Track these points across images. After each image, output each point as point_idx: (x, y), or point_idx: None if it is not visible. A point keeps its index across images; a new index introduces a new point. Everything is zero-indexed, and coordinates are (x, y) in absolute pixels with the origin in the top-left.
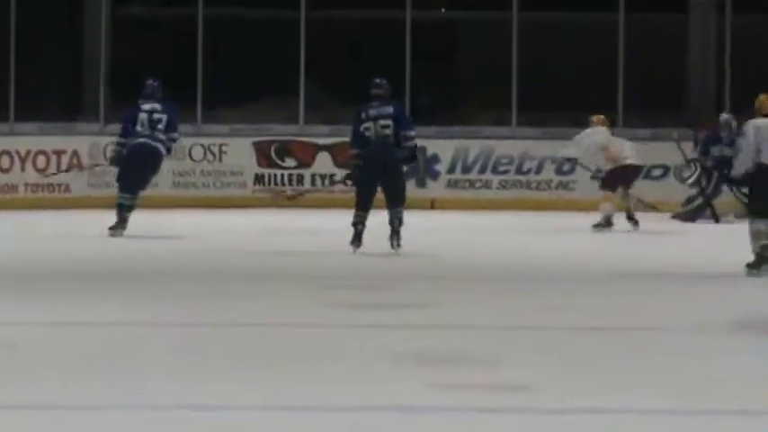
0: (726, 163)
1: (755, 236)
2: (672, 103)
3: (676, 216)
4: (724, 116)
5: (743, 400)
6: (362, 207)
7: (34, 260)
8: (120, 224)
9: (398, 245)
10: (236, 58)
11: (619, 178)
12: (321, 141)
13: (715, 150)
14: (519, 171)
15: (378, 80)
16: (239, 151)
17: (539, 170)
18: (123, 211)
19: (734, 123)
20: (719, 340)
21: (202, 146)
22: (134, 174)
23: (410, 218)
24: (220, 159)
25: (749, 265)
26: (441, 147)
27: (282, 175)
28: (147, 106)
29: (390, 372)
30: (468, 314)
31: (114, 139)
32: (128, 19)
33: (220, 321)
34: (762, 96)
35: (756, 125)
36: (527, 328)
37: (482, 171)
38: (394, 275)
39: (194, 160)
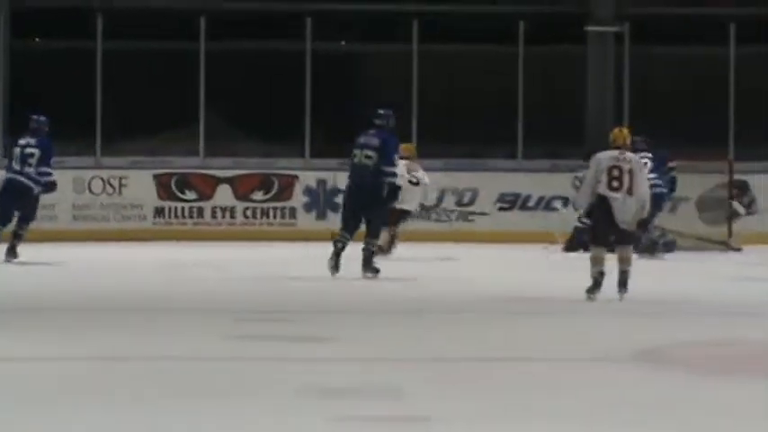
0: None
1: (593, 262)
2: (571, 134)
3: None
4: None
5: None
6: (343, 227)
7: None
8: None
9: (369, 274)
10: (137, 90)
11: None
12: (222, 174)
13: None
14: (424, 208)
15: (382, 111)
16: (139, 184)
17: (439, 201)
18: None
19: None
20: (618, 369)
21: (102, 179)
22: (2, 207)
23: (313, 249)
24: (120, 192)
25: (587, 290)
26: (341, 178)
27: (183, 207)
28: (22, 141)
29: (292, 405)
30: (370, 346)
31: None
32: (26, 51)
33: (112, 354)
34: (615, 130)
35: (598, 158)
36: (430, 359)
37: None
38: (294, 307)
39: (94, 193)
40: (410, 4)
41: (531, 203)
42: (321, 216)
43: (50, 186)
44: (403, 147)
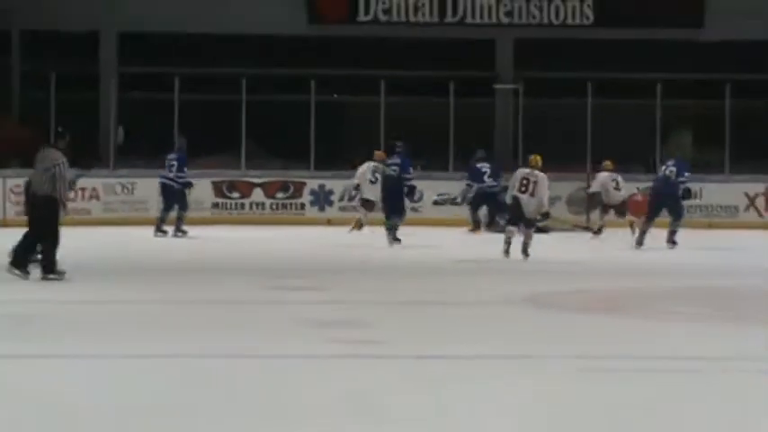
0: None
1: (507, 235)
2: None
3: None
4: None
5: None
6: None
7: None
8: None
9: (394, 241)
10: (205, 126)
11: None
12: (256, 180)
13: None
14: None
15: (400, 143)
16: (202, 187)
17: None
18: None
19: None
20: (513, 308)
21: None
22: (164, 202)
23: (312, 231)
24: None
25: (503, 251)
26: (335, 184)
27: (231, 203)
28: (169, 155)
29: (292, 331)
30: (351, 293)
31: None
32: (131, 102)
33: (177, 298)
34: (532, 156)
35: (516, 173)
36: (389, 302)
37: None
38: (300, 268)
39: None
40: (380, 71)
41: (457, 201)
42: (321, 209)
43: (186, 185)
44: (376, 153)
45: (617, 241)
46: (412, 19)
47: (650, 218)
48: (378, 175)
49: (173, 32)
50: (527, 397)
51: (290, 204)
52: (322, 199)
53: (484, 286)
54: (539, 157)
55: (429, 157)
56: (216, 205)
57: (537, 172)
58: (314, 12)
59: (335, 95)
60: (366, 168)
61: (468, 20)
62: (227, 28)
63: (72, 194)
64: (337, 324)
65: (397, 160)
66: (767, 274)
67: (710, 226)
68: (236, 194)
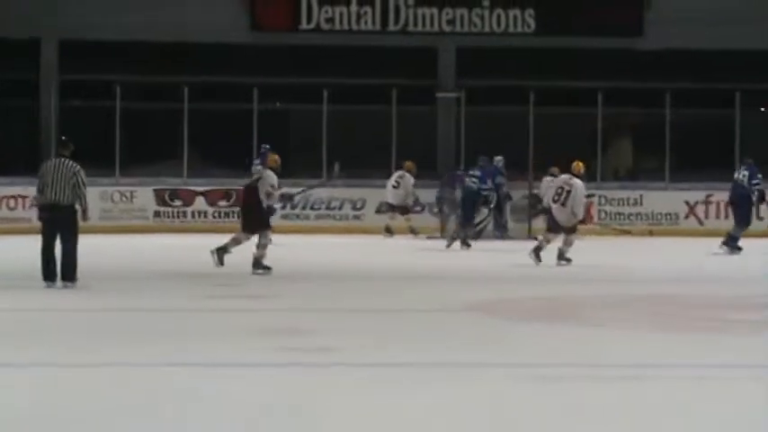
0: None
1: (540, 242)
2: (427, 165)
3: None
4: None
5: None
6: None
7: None
8: None
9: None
10: (144, 134)
11: None
12: (199, 189)
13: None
14: (328, 208)
15: (483, 156)
16: (144, 195)
17: (341, 207)
18: None
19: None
20: (457, 315)
21: (120, 192)
22: None
23: (254, 239)
24: (131, 201)
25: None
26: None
27: (173, 211)
28: (255, 161)
29: (243, 340)
30: (292, 301)
31: None
32: (72, 110)
33: (136, 307)
34: (575, 162)
35: (557, 180)
36: (337, 310)
37: (303, 208)
38: (243, 276)
39: (114, 201)
40: (322, 79)
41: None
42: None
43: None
44: (406, 163)
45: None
46: (354, 27)
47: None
48: (399, 181)
49: (114, 40)
50: (465, 405)
51: (233, 212)
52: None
53: (427, 294)
54: (581, 164)
55: (370, 163)
56: (158, 214)
57: (574, 180)
58: (256, 20)
59: (278, 104)
60: (394, 175)
61: (411, 28)
62: (169, 36)
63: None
64: (281, 332)
65: (478, 173)
66: (706, 281)
67: (651, 233)
68: (178, 203)
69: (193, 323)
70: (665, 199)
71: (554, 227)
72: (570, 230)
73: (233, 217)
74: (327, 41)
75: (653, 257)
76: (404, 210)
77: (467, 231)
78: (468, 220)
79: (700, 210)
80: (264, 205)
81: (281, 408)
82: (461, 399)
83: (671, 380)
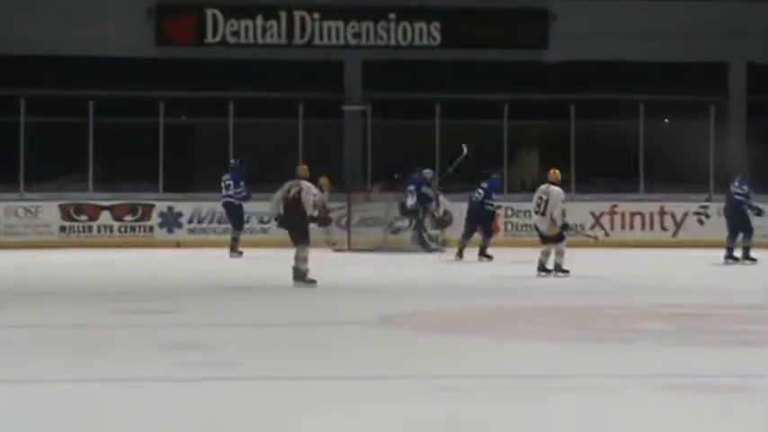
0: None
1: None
2: (335, 178)
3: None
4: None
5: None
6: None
7: None
8: None
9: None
10: (48, 147)
11: None
12: (104, 203)
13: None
14: None
15: (494, 168)
16: (49, 210)
17: (248, 221)
18: None
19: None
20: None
21: (24, 207)
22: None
23: (161, 254)
24: (36, 215)
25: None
26: (184, 206)
27: (78, 226)
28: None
29: (148, 355)
30: (198, 316)
31: None
32: None
33: (40, 323)
34: (552, 170)
35: (537, 191)
36: (242, 324)
37: (211, 222)
38: (149, 291)
39: (18, 216)
40: (229, 92)
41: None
42: (170, 232)
43: (245, 198)
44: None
45: (475, 261)
46: (260, 41)
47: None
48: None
49: (19, 54)
50: (376, 418)
51: (139, 227)
52: (171, 221)
53: (335, 307)
54: (557, 172)
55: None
56: (63, 229)
57: (551, 188)
58: (162, 34)
59: (184, 117)
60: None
61: (317, 41)
62: (74, 50)
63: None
64: (187, 347)
65: (485, 185)
66: (618, 293)
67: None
68: (83, 217)
69: (97, 338)
70: (570, 210)
71: (541, 238)
72: (557, 239)
73: (139, 231)
74: (233, 55)
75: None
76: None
77: (485, 242)
78: (472, 232)
79: (605, 220)
80: (308, 216)
81: (183, 424)
82: (369, 412)
83: (580, 390)
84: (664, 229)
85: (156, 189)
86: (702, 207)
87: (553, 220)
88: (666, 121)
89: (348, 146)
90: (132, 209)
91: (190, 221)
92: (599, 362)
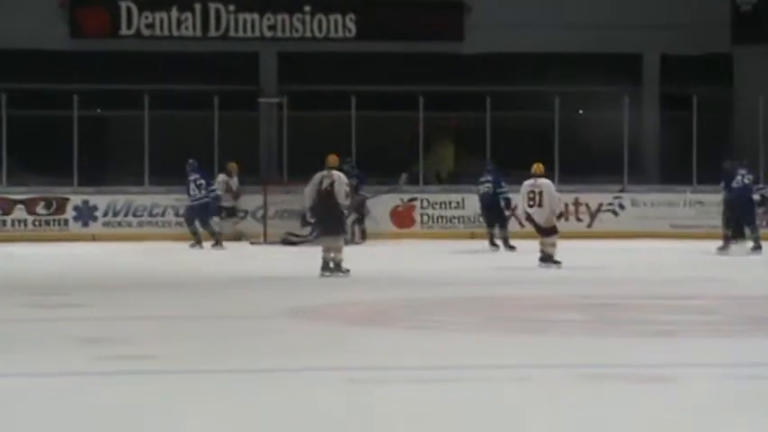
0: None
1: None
2: (251, 170)
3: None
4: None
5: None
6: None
7: None
8: None
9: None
10: None
11: None
12: (18, 197)
13: None
14: (150, 215)
15: (490, 161)
16: None
17: (163, 214)
18: None
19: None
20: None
21: None
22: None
23: (76, 247)
24: None
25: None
26: (99, 200)
27: None
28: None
29: (61, 349)
30: (114, 309)
31: None
32: None
33: None
34: (535, 164)
35: (522, 187)
36: (156, 317)
37: (126, 215)
38: (64, 284)
39: None
40: (143, 85)
41: (223, 215)
42: (85, 225)
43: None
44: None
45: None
46: (175, 33)
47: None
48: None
49: None
50: (292, 410)
51: (54, 221)
52: (86, 215)
53: (252, 299)
54: (541, 165)
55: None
56: None
57: (541, 180)
58: (75, 26)
59: (98, 110)
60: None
61: (232, 33)
62: None
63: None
64: (102, 341)
65: (489, 177)
66: (524, 283)
67: (473, 236)
68: None
69: (9, 333)
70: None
71: (538, 230)
72: (551, 231)
73: (53, 225)
74: (148, 47)
75: (480, 259)
76: (231, 212)
77: (504, 234)
78: (498, 223)
79: (520, 211)
80: (343, 206)
81: (99, 418)
82: (277, 404)
83: (493, 382)
84: (579, 219)
85: (70, 183)
86: (616, 198)
87: (552, 211)
88: (581, 112)
89: (264, 138)
90: (47, 202)
91: (105, 215)
92: (509, 351)
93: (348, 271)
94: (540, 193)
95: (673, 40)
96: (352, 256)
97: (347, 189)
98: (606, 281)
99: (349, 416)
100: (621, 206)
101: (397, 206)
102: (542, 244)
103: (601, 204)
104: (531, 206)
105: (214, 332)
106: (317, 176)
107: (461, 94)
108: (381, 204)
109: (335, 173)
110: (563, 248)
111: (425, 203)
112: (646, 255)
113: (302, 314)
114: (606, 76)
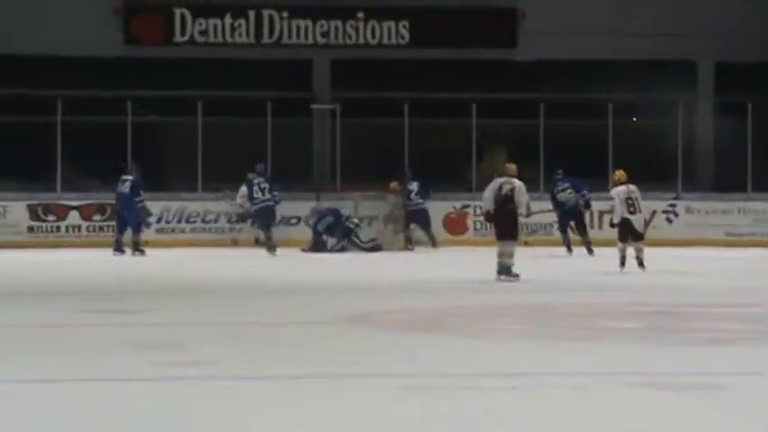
0: None
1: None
2: (303, 176)
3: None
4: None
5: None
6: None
7: None
8: None
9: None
10: (13, 148)
11: None
12: (73, 203)
13: None
14: (203, 221)
15: (558, 171)
16: (17, 210)
17: (216, 220)
18: None
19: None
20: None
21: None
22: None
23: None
24: (4, 216)
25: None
26: (152, 206)
27: (46, 226)
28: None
29: (117, 355)
30: (168, 316)
31: None
32: None
33: (8, 323)
34: (619, 171)
35: (620, 194)
36: (210, 324)
37: (179, 221)
38: (118, 290)
39: None
40: (197, 91)
41: (276, 222)
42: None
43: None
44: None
45: (438, 259)
46: (229, 40)
47: None
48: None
49: None
50: (348, 417)
51: (107, 227)
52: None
53: (306, 306)
54: (623, 173)
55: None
56: (31, 229)
57: (633, 186)
58: (130, 33)
59: (152, 116)
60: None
61: (285, 40)
62: (42, 49)
63: None
64: (155, 346)
65: (568, 184)
66: (579, 291)
67: (527, 243)
68: (51, 217)
69: (65, 338)
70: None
71: (633, 236)
72: (641, 237)
73: (108, 231)
74: (201, 54)
75: (533, 266)
76: (243, 218)
77: (586, 239)
78: (570, 228)
79: None
80: (519, 214)
81: (153, 423)
82: (339, 411)
83: (548, 389)
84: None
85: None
86: (671, 206)
87: (643, 218)
88: (635, 119)
89: (317, 145)
90: (101, 208)
91: (158, 221)
92: (564, 360)
93: (518, 276)
94: (637, 200)
95: (727, 47)
96: (405, 263)
97: (527, 198)
98: (661, 289)
99: (400, 423)
100: (676, 214)
101: (450, 213)
102: (637, 249)
103: (655, 212)
104: (631, 212)
105: (267, 338)
106: (497, 182)
107: (515, 101)
108: (433, 211)
109: (516, 181)
110: (613, 256)
111: (478, 210)
112: (700, 263)
113: (356, 321)
114: (660, 83)
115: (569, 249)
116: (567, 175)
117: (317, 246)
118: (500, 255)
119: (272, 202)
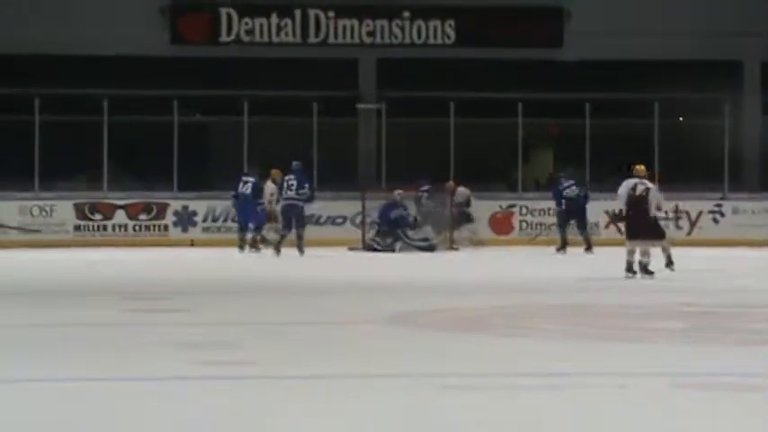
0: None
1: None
2: (348, 176)
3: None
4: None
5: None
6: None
7: None
8: None
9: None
10: (63, 147)
11: None
12: (119, 202)
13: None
14: None
15: (567, 170)
16: (64, 209)
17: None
18: None
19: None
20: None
21: (39, 206)
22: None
23: (175, 252)
24: (51, 215)
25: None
26: (198, 205)
27: (93, 225)
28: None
29: (164, 353)
30: (216, 315)
31: None
32: None
33: (57, 322)
34: (639, 167)
35: (657, 194)
36: (255, 323)
37: (225, 220)
38: (165, 289)
39: (33, 215)
40: (243, 90)
41: (322, 221)
42: (185, 230)
43: (309, 199)
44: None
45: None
46: (275, 39)
47: None
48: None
49: (33, 53)
50: (390, 416)
51: (153, 226)
52: (185, 220)
53: (350, 305)
54: (644, 168)
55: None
56: (78, 227)
57: (647, 183)
58: (176, 32)
59: (198, 115)
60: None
61: (331, 40)
62: (89, 49)
63: None
64: (201, 345)
65: (572, 181)
66: (622, 290)
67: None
68: (98, 216)
69: (112, 337)
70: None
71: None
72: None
73: (153, 230)
74: (247, 54)
75: (570, 267)
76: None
77: (585, 235)
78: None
79: None
80: (652, 215)
81: (201, 422)
82: (381, 410)
83: (590, 389)
84: (678, 227)
85: (170, 188)
86: (717, 206)
87: (655, 219)
88: (681, 119)
89: (362, 144)
90: (147, 207)
91: (204, 220)
92: (610, 360)
93: (653, 273)
94: (645, 195)
95: None
96: (450, 262)
97: (661, 199)
98: (706, 289)
99: (441, 422)
100: (722, 214)
101: (497, 213)
102: (642, 253)
103: (701, 212)
104: (630, 207)
105: (312, 337)
106: (631, 182)
107: (560, 100)
108: (480, 211)
109: (650, 183)
110: (658, 255)
111: (524, 210)
112: (746, 263)
113: (400, 320)
114: (707, 82)
115: (564, 247)
116: (572, 173)
117: (385, 237)
118: (631, 252)
119: (298, 201)
